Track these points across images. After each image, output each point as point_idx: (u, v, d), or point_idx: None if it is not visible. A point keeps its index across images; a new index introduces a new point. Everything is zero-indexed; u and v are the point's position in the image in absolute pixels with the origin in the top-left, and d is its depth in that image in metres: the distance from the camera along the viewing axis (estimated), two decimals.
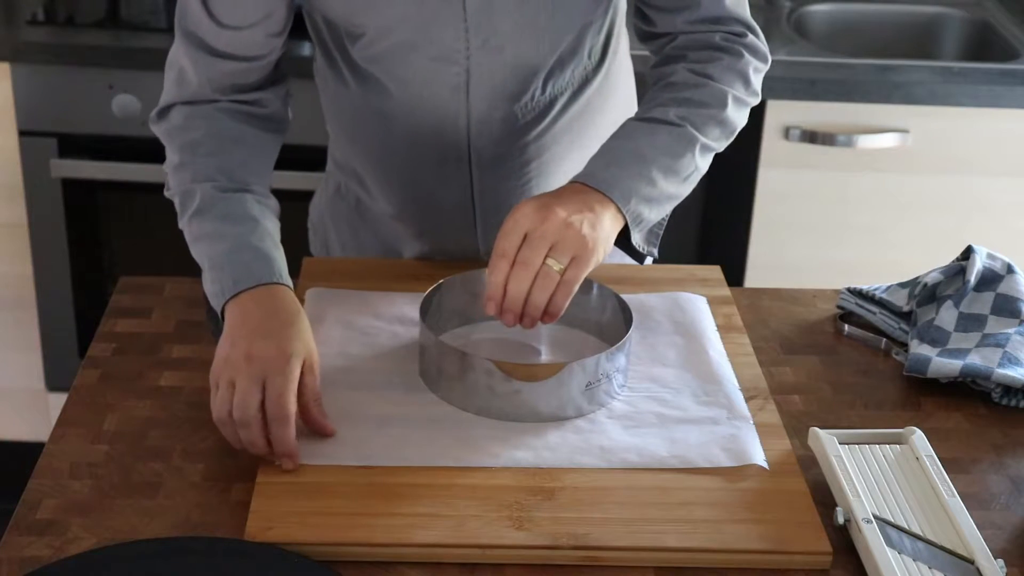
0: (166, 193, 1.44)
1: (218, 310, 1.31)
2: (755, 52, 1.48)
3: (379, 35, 1.43)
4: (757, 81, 1.49)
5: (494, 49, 1.43)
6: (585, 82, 1.52)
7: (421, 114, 1.48)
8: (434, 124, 1.49)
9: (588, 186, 1.34)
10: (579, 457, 1.26)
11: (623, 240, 1.38)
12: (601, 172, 1.36)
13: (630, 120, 1.44)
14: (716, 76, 1.45)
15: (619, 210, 1.34)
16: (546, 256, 1.26)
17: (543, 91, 1.49)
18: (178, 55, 1.44)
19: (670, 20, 1.48)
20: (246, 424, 1.21)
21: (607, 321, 1.41)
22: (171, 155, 1.43)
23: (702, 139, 1.42)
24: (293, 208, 1.58)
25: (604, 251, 1.31)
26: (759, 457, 1.27)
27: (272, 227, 1.38)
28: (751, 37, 1.48)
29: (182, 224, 1.40)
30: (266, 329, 1.25)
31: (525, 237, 1.27)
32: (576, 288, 1.28)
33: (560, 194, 1.32)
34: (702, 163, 1.43)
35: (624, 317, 1.38)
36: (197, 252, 1.37)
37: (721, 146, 1.46)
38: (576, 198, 1.31)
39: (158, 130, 1.47)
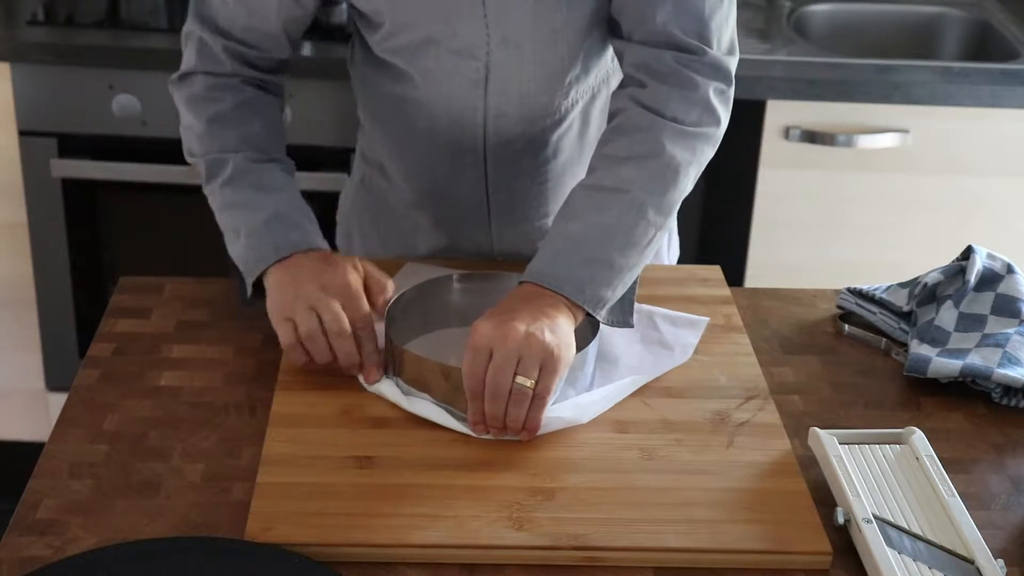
0: (188, 159, 1.50)
1: (254, 274, 1.39)
2: (715, 71, 1.39)
3: (400, 28, 1.45)
4: (721, 103, 1.40)
5: (513, 46, 1.44)
6: (605, 84, 1.53)
7: (441, 105, 1.50)
8: (452, 116, 1.50)
9: (538, 285, 1.32)
10: (553, 415, 1.28)
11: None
12: (549, 267, 1.33)
13: (578, 188, 1.39)
14: (668, 113, 1.37)
15: (574, 303, 1.31)
16: (515, 374, 1.25)
17: (566, 96, 1.50)
18: (196, 29, 1.48)
19: (627, 31, 1.41)
20: (343, 335, 1.32)
21: None
22: (194, 121, 1.48)
23: (654, 198, 1.36)
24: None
25: (569, 353, 1.28)
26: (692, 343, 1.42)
27: (298, 195, 1.46)
28: (711, 55, 1.39)
29: (208, 189, 1.47)
30: (323, 268, 1.36)
31: (491, 357, 1.25)
32: (550, 399, 1.27)
33: (513, 305, 1.30)
34: (662, 219, 1.37)
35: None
36: (228, 218, 1.44)
37: (683, 190, 1.38)
38: (529, 306, 1.29)
39: (178, 95, 1.51)
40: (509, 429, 1.27)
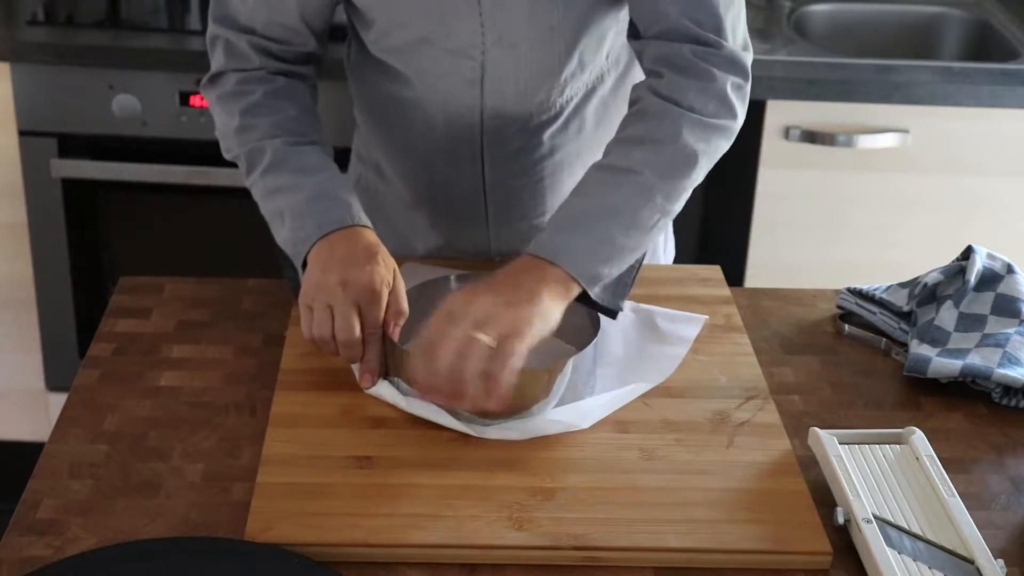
0: (226, 155, 1.50)
1: (301, 256, 1.37)
2: (732, 66, 1.39)
3: (392, 27, 1.45)
4: (738, 98, 1.40)
5: (509, 45, 1.43)
6: (600, 81, 1.53)
7: (437, 105, 1.50)
8: (449, 116, 1.50)
9: (535, 257, 1.30)
10: (554, 418, 1.28)
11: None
12: (548, 240, 1.32)
13: (591, 168, 1.39)
14: (685, 102, 1.37)
15: (570, 275, 1.29)
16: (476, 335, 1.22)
17: (561, 93, 1.50)
18: (220, 32, 1.48)
19: (643, 28, 1.42)
20: (351, 345, 1.31)
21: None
22: (228, 119, 1.48)
23: (665, 184, 1.35)
24: None
25: (543, 324, 1.25)
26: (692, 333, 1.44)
27: (338, 174, 1.45)
28: (728, 48, 1.39)
29: (250, 181, 1.46)
30: (354, 260, 1.34)
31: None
32: (516, 364, 1.21)
33: (497, 280, 1.27)
34: (670, 206, 1.36)
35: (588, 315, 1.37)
36: (273, 204, 1.42)
37: (695, 179, 1.38)
38: (510, 281, 1.27)
39: (210, 95, 1.51)
40: (470, 398, 1.22)
